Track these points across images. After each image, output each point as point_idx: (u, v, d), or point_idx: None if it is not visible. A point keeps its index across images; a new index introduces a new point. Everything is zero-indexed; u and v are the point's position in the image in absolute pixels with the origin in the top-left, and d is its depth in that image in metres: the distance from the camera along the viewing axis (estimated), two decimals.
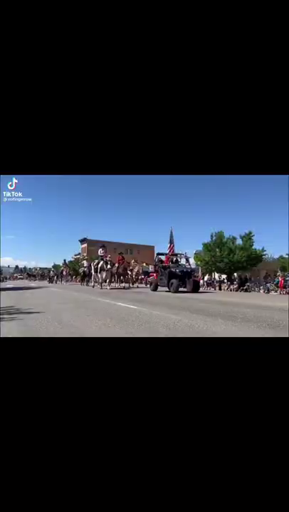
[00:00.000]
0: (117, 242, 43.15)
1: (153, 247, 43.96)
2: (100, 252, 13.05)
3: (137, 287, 14.07)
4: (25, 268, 46.73)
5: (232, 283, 18.19)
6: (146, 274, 17.91)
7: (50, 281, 22.82)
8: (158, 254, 13.18)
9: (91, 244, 49.44)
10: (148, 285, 14.68)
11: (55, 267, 30.71)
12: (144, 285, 16.38)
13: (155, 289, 11.39)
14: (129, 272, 14.22)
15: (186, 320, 3.71)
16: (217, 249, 21.50)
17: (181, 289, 10.19)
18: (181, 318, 3.90)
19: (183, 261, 12.21)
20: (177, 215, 76.01)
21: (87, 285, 16.61)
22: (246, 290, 15.58)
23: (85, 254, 39.32)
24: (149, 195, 73.97)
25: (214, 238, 22.65)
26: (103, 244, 13.23)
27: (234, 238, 22.19)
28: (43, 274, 32.51)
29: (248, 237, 21.76)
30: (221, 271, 22.11)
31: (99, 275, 12.66)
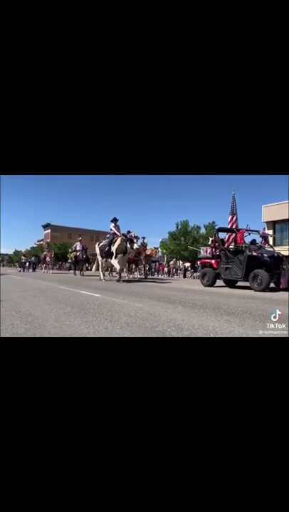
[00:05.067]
0: (83, 229, 42.32)
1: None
2: (112, 227, 9.37)
3: (170, 281, 10.79)
4: None
5: (195, 271, 18.82)
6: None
7: (22, 269, 20.01)
8: (218, 229, 8.60)
9: (55, 230, 47.92)
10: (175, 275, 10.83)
11: (16, 253, 29.19)
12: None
13: (212, 284, 7.61)
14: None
15: (148, 308, 3.77)
16: (182, 238, 22.06)
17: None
18: (143, 305, 3.96)
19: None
20: (144, 205, 76.26)
21: (82, 274, 13.25)
22: None
23: (48, 241, 37.89)
24: (115, 186, 72.90)
25: (179, 227, 23.20)
26: (115, 218, 9.51)
27: (198, 227, 22.95)
28: None
29: (211, 227, 22.60)
30: (185, 259, 22.77)
31: (113, 261, 9.06)
